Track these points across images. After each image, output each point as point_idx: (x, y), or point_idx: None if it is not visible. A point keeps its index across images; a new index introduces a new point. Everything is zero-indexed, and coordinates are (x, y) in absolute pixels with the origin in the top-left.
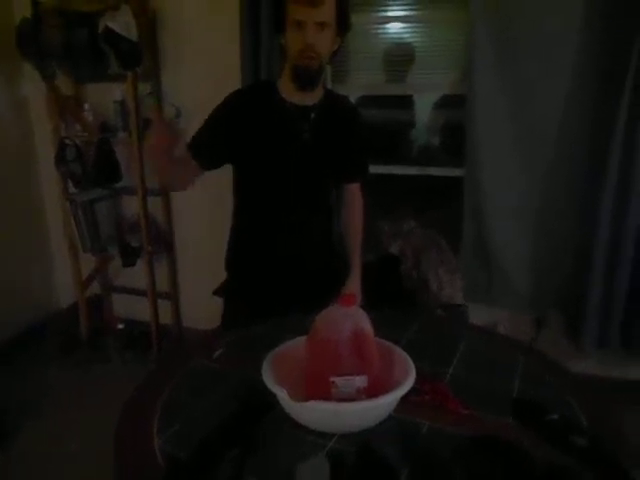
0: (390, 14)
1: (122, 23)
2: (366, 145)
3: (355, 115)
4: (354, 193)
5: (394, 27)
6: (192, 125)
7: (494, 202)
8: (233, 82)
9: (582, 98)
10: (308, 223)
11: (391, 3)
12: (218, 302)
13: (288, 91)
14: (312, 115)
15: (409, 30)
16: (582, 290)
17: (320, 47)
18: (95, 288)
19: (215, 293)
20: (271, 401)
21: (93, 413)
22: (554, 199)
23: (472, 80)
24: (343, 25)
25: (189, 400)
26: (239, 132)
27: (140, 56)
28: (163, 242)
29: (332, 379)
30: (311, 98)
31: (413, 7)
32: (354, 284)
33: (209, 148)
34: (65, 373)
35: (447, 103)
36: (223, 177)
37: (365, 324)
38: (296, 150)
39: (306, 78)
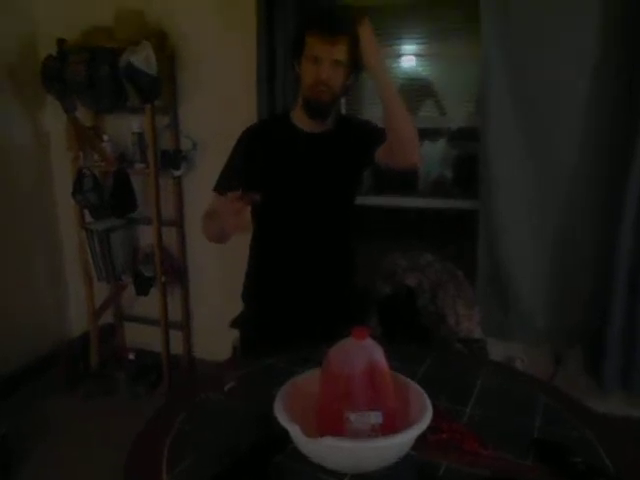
0: (404, 49)
1: (142, 58)
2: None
3: (373, 136)
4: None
5: (409, 61)
6: (207, 157)
7: (509, 235)
8: (248, 116)
9: (598, 128)
10: (326, 251)
11: (405, 38)
12: (230, 334)
13: (301, 119)
14: (324, 142)
15: (423, 64)
16: (602, 325)
17: (333, 83)
18: (107, 317)
19: (232, 325)
20: (284, 437)
21: (101, 446)
22: (571, 232)
23: (485, 113)
24: (358, 65)
25: (199, 435)
26: (257, 164)
27: (159, 90)
28: (176, 272)
29: (346, 415)
30: (324, 125)
31: (427, 42)
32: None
33: (235, 185)
34: (74, 404)
35: (461, 136)
36: None
37: (380, 358)
38: (311, 177)
39: (317, 110)
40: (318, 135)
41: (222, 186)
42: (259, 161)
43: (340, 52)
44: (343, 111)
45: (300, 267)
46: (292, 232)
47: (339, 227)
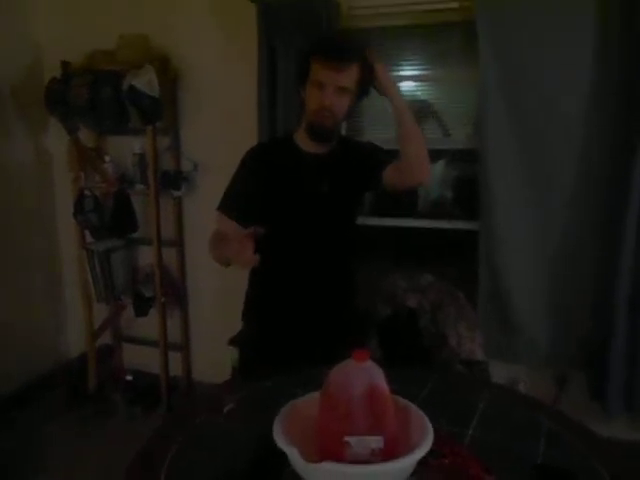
0: (404, 73)
1: (145, 81)
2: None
3: (378, 158)
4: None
5: (409, 85)
6: (208, 178)
7: (509, 256)
8: (250, 139)
9: (596, 147)
10: (327, 273)
11: (405, 62)
12: (229, 355)
13: (304, 141)
14: (327, 163)
15: (423, 87)
16: (604, 347)
17: (337, 109)
18: (106, 338)
19: (231, 343)
20: (282, 460)
21: (98, 470)
22: (571, 252)
23: (483, 135)
24: (363, 91)
25: (198, 458)
26: (261, 185)
27: (160, 112)
28: (176, 293)
29: (346, 439)
30: (327, 147)
31: (426, 66)
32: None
33: (240, 206)
34: (71, 426)
35: (461, 157)
36: None
37: (380, 380)
38: (314, 198)
39: (320, 134)
40: (321, 156)
41: (227, 207)
42: (263, 182)
43: (346, 79)
44: (344, 132)
45: (301, 288)
46: (294, 253)
47: (340, 248)
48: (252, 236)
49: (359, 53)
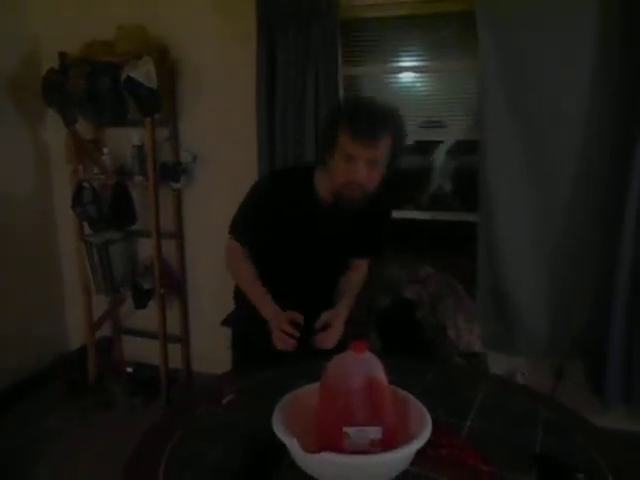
0: (403, 64)
1: (143, 72)
2: (387, 229)
3: (381, 206)
4: (362, 263)
5: (407, 76)
6: (207, 170)
7: (508, 247)
8: (248, 131)
9: (597, 140)
10: (326, 283)
11: (404, 54)
12: (225, 337)
13: (326, 193)
14: (345, 217)
15: (422, 78)
16: (602, 339)
17: (369, 182)
18: (105, 330)
19: (223, 323)
20: (282, 451)
21: (98, 460)
22: (570, 243)
23: (483, 126)
24: (394, 163)
25: (197, 449)
26: (273, 219)
27: (159, 103)
28: (175, 285)
29: (345, 430)
30: None
31: (425, 56)
32: (332, 325)
33: (250, 233)
34: (71, 418)
35: (460, 149)
36: None
37: (378, 372)
38: (322, 241)
39: (348, 204)
40: (343, 212)
41: (237, 232)
42: (275, 216)
43: (379, 153)
44: None
45: (296, 292)
46: (294, 271)
47: (340, 272)
48: (291, 324)
49: (391, 123)
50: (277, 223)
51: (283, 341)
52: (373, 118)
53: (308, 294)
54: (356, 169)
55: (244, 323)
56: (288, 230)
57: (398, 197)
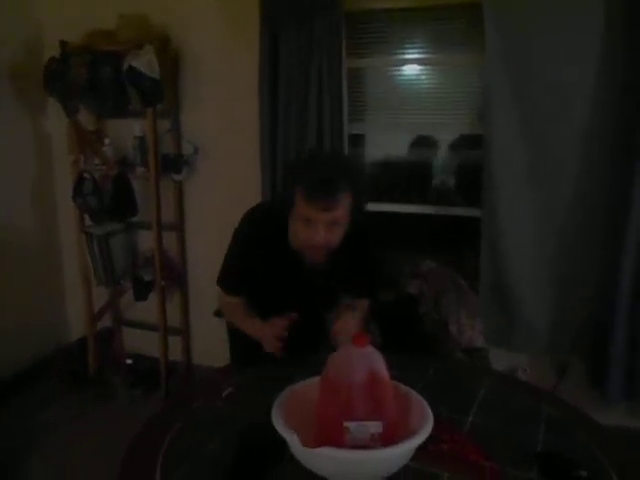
0: (407, 57)
1: (145, 62)
2: (374, 271)
3: (364, 245)
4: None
5: (411, 69)
6: (208, 162)
7: (511, 243)
8: (250, 122)
9: (602, 135)
10: (317, 322)
11: (409, 47)
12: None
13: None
14: (324, 269)
15: (426, 72)
16: (604, 335)
17: (330, 242)
18: (106, 321)
19: (216, 314)
20: (281, 445)
21: (97, 452)
22: (573, 240)
23: (488, 121)
24: (358, 210)
25: (196, 442)
26: (255, 266)
27: (161, 94)
28: (176, 277)
29: (345, 424)
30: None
31: (429, 50)
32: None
33: (237, 282)
34: (70, 409)
35: (464, 143)
36: (237, 216)
37: (380, 366)
38: (301, 287)
39: (314, 263)
40: (320, 265)
41: (225, 284)
42: (256, 264)
43: (338, 213)
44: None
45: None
46: (286, 308)
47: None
48: (285, 328)
49: (349, 179)
50: (259, 271)
51: (272, 345)
52: (328, 179)
53: (303, 325)
54: (315, 231)
55: None
56: (271, 277)
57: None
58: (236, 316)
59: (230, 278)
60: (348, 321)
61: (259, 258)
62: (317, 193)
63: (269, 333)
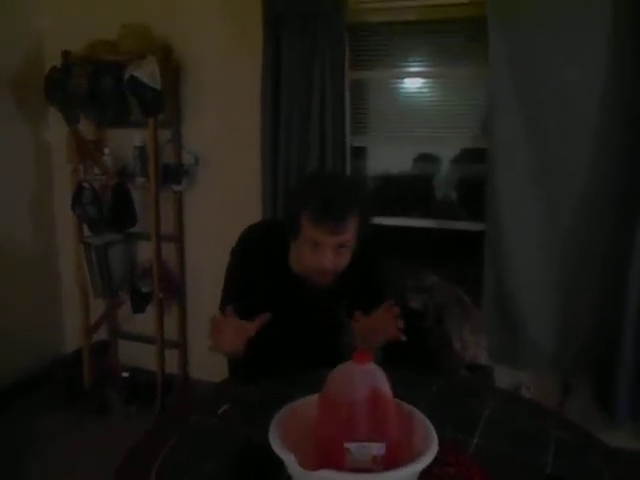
0: (410, 70)
1: (147, 72)
2: (381, 291)
3: (369, 266)
4: None
5: (414, 82)
6: (209, 172)
7: (516, 257)
8: (251, 133)
9: (609, 150)
10: (324, 343)
11: (411, 60)
12: None
13: (297, 264)
14: (326, 294)
15: (428, 85)
16: (612, 354)
17: (336, 268)
18: (102, 333)
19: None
20: (278, 466)
21: (91, 466)
22: (579, 255)
23: (492, 132)
24: (364, 232)
25: (189, 461)
26: (253, 290)
27: (162, 104)
28: (174, 289)
29: (346, 445)
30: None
31: (431, 63)
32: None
33: (239, 307)
34: (65, 422)
35: (466, 157)
36: (237, 228)
37: (383, 384)
38: (303, 310)
39: (318, 287)
40: (323, 289)
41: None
42: (256, 289)
43: (346, 237)
44: (348, 130)
45: (295, 348)
46: (290, 331)
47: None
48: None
49: (356, 201)
50: (259, 289)
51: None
52: (336, 201)
53: (308, 347)
54: (323, 256)
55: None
56: (271, 296)
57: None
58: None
59: (234, 301)
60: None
61: (259, 276)
62: (325, 216)
63: (233, 327)
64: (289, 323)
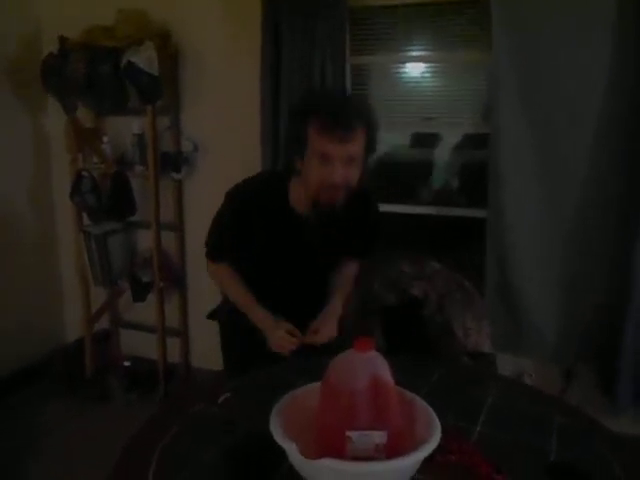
0: (412, 54)
1: (144, 58)
2: (375, 231)
3: (367, 206)
4: (352, 262)
5: (415, 67)
6: (208, 160)
7: (519, 243)
8: (251, 120)
9: (612, 136)
10: (312, 294)
11: (414, 44)
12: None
13: (300, 204)
14: (329, 229)
15: (430, 70)
16: (614, 340)
17: (349, 182)
18: (103, 322)
19: (209, 317)
20: (280, 455)
21: (92, 456)
22: (582, 242)
23: (495, 118)
24: (370, 150)
25: (190, 450)
26: (249, 235)
27: (160, 91)
28: (175, 278)
29: (347, 434)
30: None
31: (434, 48)
32: (325, 322)
33: (227, 251)
34: (67, 411)
35: (468, 143)
36: None
37: (384, 372)
38: (301, 251)
39: (328, 210)
40: (322, 223)
41: (214, 255)
42: (250, 232)
43: (355, 147)
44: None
45: (285, 297)
46: (280, 278)
47: (326, 276)
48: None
49: (363, 112)
50: (253, 239)
51: (282, 346)
52: (344, 108)
53: (297, 298)
54: (332, 170)
55: (229, 318)
56: (266, 244)
57: (383, 193)
58: (235, 294)
59: (217, 247)
60: (325, 331)
61: (257, 219)
62: (333, 124)
63: (281, 338)
64: (288, 264)
